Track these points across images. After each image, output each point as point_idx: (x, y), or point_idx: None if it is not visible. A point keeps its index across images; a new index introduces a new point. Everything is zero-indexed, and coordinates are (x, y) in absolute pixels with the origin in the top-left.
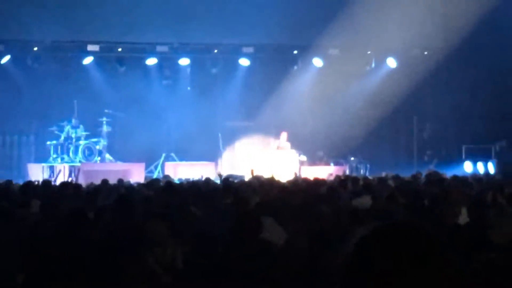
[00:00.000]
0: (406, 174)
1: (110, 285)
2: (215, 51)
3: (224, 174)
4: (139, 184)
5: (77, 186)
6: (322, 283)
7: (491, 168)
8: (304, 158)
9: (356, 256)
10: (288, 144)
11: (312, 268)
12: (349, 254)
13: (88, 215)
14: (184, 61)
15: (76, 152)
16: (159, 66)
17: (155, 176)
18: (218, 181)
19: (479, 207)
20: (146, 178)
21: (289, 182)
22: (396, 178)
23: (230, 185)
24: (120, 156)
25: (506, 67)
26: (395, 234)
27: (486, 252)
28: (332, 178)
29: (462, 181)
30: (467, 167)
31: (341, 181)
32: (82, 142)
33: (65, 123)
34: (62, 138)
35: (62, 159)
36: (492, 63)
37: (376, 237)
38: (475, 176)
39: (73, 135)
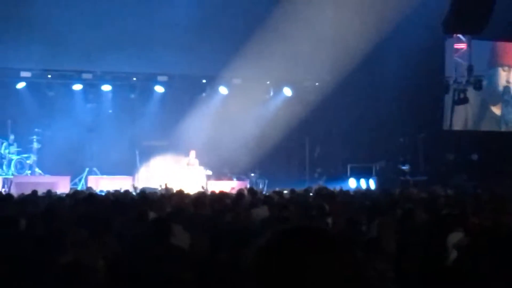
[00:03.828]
0: (299, 189)
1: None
2: (134, 79)
3: (140, 187)
4: (65, 195)
5: (9, 196)
6: (224, 281)
7: (372, 184)
8: (210, 172)
9: (263, 256)
10: (197, 161)
11: (214, 268)
12: (256, 254)
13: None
14: (106, 87)
15: (9, 166)
16: (84, 91)
17: (79, 188)
18: (134, 193)
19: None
20: (71, 189)
21: (197, 194)
22: (290, 191)
23: (146, 196)
24: (48, 170)
25: (383, 99)
26: (299, 234)
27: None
28: (234, 191)
29: (346, 194)
30: (352, 183)
31: (242, 194)
32: (14, 157)
33: (1, 140)
34: None
35: None
36: (372, 95)
37: (282, 237)
38: (358, 191)
39: (7, 151)
